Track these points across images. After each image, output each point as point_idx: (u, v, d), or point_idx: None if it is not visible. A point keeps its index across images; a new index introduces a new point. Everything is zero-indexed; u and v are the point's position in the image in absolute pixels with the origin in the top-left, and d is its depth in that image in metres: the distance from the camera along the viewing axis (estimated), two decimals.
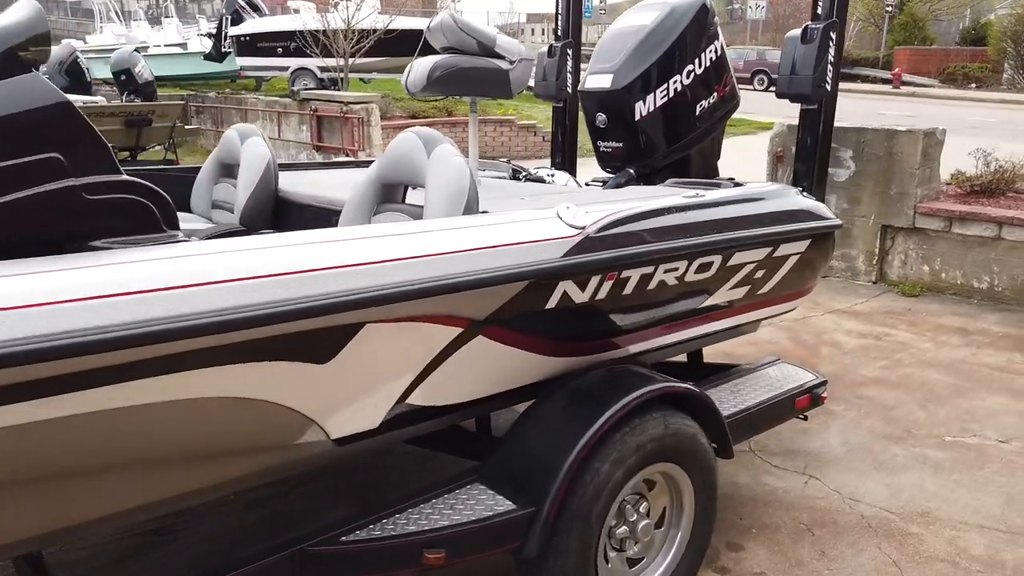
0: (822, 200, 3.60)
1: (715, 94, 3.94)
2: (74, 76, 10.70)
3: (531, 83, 4.83)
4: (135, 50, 12.18)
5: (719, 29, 3.95)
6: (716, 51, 3.90)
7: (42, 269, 1.54)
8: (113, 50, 12.75)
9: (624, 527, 2.52)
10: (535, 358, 2.48)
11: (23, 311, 1.46)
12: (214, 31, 19.79)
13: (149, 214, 1.75)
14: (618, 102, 3.80)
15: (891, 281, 6.79)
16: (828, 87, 3.60)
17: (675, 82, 3.80)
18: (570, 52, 4.64)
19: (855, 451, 3.85)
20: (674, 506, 2.68)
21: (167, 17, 27.56)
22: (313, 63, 16.08)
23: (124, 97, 11.44)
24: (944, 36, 39.06)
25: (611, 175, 4.03)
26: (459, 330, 2.19)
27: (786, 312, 3.59)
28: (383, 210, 2.78)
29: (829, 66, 3.56)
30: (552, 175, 4.15)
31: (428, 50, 3.75)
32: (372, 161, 3.03)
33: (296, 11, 17.30)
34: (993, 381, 4.73)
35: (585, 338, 2.63)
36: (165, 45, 23.60)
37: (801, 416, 3.36)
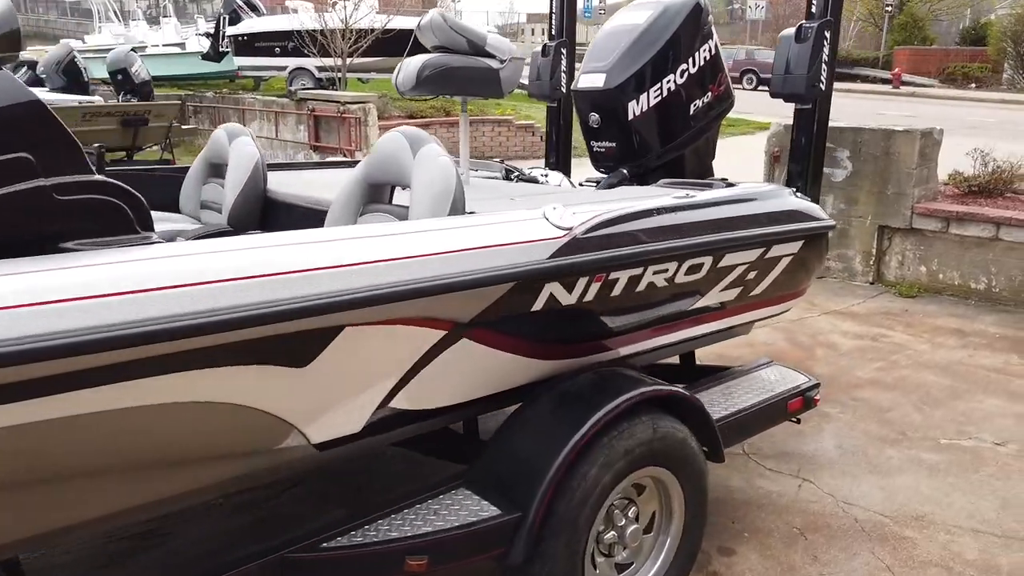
0: (817, 200, 3.57)
1: (709, 93, 3.92)
2: (71, 76, 10.74)
3: (524, 82, 4.81)
4: (132, 50, 12.16)
5: (713, 28, 3.92)
6: (710, 50, 3.87)
7: (6, 272, 1.50)
8: (111, 50, 12.73)
9: (612, 532, 2.48)
10: (522, 361, 2.45)
11: None
12: (212, 31, 19.79)
13: (122, 215, 1.72)
14: (611, 102, 3.77)
15: (888, 282, 6.76)
16: (823, 86, 3.57)
17: (669, 81, 3.76)
18: (564, 51, 4.62)
19: (850, 454, 3.82)
20: (663, 511, 2.64)
21: (165, 17, 27.62)
22: (311, 63, 16.06)
23: (121, 97, 11.41)
24: (944, 36, 39.07)
25: (605, 175, 4.00)
26: (443, 333, 2.16)
27: (779, 314, 3.56)
28: (369, 211, 2.74)
29: (823, 65, 3.54)
30: (546, 175, 4.12)
31: (418, 49, 3.72)
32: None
33: (294, 11, 17.26)
34: (990, 383, 4.69)
35: (573, 341, 2.60)
36: (163, 45, 23.63)
37: (794, 419, 3.33)
